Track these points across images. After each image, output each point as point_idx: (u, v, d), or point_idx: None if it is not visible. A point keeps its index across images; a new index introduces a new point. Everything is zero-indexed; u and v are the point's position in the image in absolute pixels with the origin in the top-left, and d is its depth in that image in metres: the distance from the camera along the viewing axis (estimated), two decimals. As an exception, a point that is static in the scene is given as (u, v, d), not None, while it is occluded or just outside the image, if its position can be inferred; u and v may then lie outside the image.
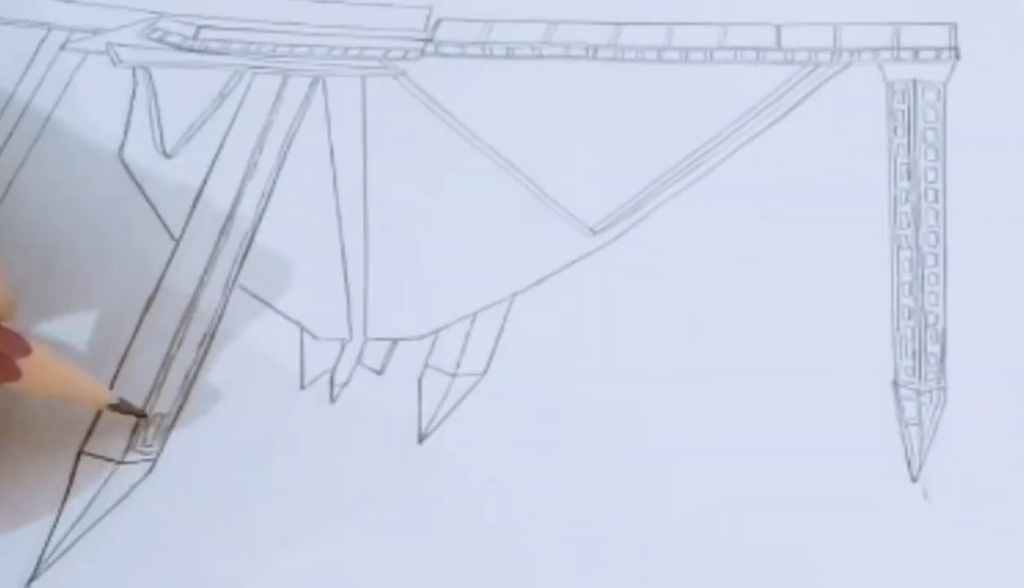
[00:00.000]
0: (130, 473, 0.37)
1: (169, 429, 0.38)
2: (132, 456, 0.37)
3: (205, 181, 0.42)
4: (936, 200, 0.39)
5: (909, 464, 0.36)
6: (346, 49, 0.44)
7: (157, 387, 0.38)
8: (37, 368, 0.35)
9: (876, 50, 0.42)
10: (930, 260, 0.39)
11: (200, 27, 0.45)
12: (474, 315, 0.39)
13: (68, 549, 0.36)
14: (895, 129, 0.41)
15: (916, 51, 0.42)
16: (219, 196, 0.42)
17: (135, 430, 0.38)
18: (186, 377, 0.38)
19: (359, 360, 0.39)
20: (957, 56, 0.42)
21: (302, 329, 0.39)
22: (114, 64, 0.44)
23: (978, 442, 0.36)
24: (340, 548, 0.36)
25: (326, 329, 0.39)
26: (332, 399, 0.38)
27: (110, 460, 0.37)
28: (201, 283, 0.40)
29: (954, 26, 0.42)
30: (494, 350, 0.38)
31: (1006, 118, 0.41)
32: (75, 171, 0.42)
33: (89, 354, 0.39)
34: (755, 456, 0.36)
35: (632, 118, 0.42)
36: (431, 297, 0.39)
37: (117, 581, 0.36)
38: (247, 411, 0.38)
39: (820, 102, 0.41)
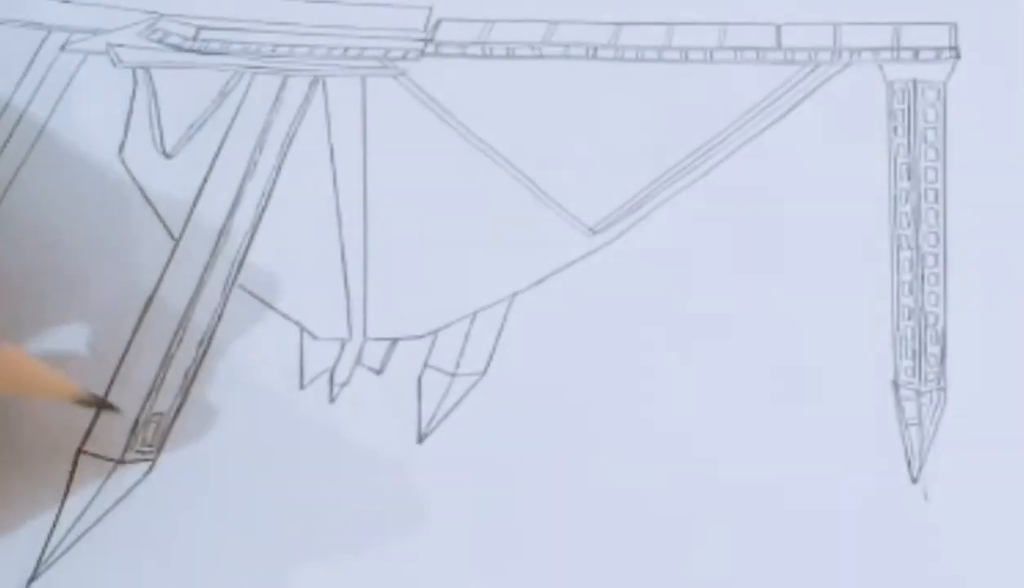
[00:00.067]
0: (129, 473, 0.37)
1: (168, 429, 0.38)
2: (131, 456, 0.37)
3: (205, 181, 0.42)
4: (936, 200, 0.39)
5: (909, 465, 0.36)
6: (346, 49, 0.44)
7: (156, 387, 0.38)
8: (0, 365, 0.35)
9: (876, 50, 0.42)
10: (930, 260, 0.39)
11: (200, 28, 0.45)
12: (474, 315, 0.39)
13: (68, 549, 0.36)
14: (895, 129, 0.41)
15: (916, 51, 0.42)
16: (219, 196, 0.42)
17: (134, 430, 0.38)
18: (185, 377, 0.38)
19: (359, 360, 0.39)
20: (957, 56, 0.42)
21: (302, 329, 0.39)
22: (114, 65, 0.44)
23: (978, 442, 0.36)
24: (340, 548, 0.36)
25: (325, 329, 0.39)
26: (332, 399, 0.38)
27: (109, 460, 0.37)
28: (201, 282, 0.40)
29: (954, 26, 0.42)
30: (494, 350, 0.38)
31: (1006, 118, 0.41)
32: (75, 171, 0.42)
33: (88, 354, 0.39)
34: (755, 456, 0.36)
35: (632, 118, 0.42)
36: (431, 297, 0.39)
37: (117, 581, 0.36)
38: (246, 411, 0.38)
39: (820, 102, 0.41)
